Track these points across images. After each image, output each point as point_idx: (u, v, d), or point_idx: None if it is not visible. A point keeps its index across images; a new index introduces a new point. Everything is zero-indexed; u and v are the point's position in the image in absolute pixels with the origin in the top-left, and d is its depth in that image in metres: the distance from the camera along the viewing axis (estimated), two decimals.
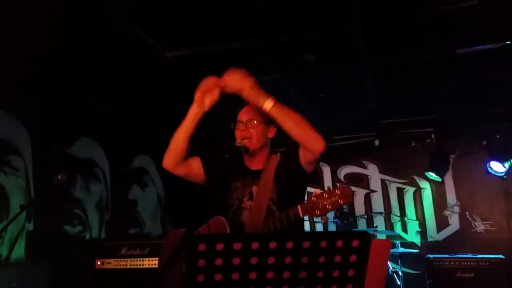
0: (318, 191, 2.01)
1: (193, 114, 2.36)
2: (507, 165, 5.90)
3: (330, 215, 6.72)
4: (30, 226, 3.94)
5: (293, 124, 2.14)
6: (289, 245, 1.29)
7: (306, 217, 2.16)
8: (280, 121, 2.16)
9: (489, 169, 6.08)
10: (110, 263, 3.95)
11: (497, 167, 6.01)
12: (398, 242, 5.68)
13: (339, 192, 1.96)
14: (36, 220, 4.00)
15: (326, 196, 1.98)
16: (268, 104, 2.13)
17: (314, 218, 6.77)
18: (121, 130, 5.15)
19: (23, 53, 3.63)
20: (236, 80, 2.17)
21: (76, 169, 4.57)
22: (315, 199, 2.00)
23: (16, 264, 3.78)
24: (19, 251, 3.84)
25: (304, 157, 2.24)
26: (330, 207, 1.97)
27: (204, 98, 2.31)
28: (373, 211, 6.88)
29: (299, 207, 2.04)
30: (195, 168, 2.49)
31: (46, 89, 4.10)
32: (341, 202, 1.96)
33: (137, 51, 3.77)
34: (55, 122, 4.26)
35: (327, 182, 7.08)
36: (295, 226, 2.14)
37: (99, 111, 4.83)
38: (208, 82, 2.30)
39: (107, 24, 3.32)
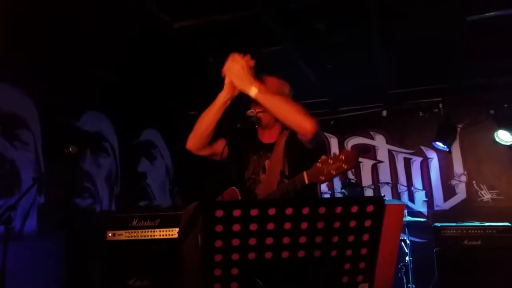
0: (323, 157, 2.00)
1: (223, 99, 2.31)
2: None
3: (337, 186, 6.76)
4: (41, 200, 4.00)
5: (279, 111, 2.14)
6: (305, 210, 1.31)
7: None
8: (267, 108, 2.17)
9: (496, 138, 6.05)
10: (121, 234, 4.01)
11: (505, 136, 5.98)
12: (405, 211, 5.71)
13: (343, 158, 1.95)
14: (47, 194, 4.06)
15: (331, 161, 1.96)
16: (252, 92, 2.10)
17: (322, 190, 6.82)
18: (129, 103, 5.15)
19: (30, 27, 3.61)
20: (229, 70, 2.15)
21: (85, 142, 4.60)
22: (320, 165, 1.99)
23: (29, 237, 3.85)
24: (31, 224, 3.90)
25: (300, 137, 2.23)
26: (334, 172, 1.96)
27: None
28: (380, 181, 6.89)
29: (304, 173, 2.03)
30: (219, 150, 2.48)
31: (54, 63, 4.09)
32: (345, 167, 1.94)
33: (144, 22, 3.74)
34: (63, 95, 4.26)
35: None
36: (306, 193, 2.14)
37: (106, 84, 4.81)
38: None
39: None
